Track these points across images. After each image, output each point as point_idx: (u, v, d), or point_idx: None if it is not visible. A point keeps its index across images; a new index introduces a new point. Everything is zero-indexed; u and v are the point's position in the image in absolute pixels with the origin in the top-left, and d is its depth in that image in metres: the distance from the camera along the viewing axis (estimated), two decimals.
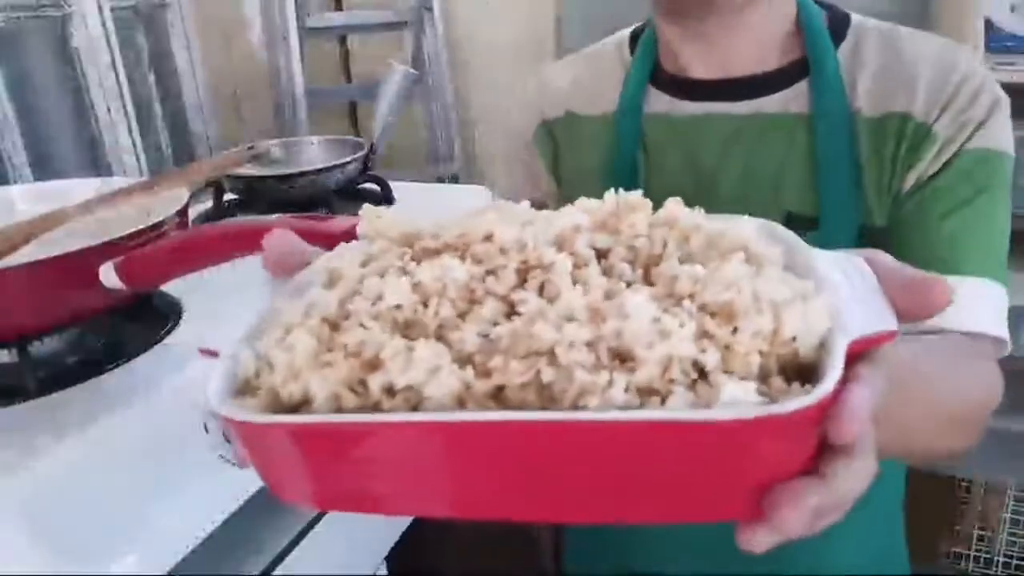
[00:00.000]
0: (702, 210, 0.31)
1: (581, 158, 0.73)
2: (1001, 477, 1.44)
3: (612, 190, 0.31)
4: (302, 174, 1.12)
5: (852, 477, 0.25)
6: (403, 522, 0.93)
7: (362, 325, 0.27)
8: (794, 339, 0.25)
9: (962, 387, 0.51)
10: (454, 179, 1.81)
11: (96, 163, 1.33)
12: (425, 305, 0.27)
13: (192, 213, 0.90)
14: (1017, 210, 1.09)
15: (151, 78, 1.55)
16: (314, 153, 1.28)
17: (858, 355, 0.25)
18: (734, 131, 0.64)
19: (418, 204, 1.17)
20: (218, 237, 0.59)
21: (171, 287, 0.81)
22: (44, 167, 1.27)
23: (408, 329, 0.27)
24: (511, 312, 0.26)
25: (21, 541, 0.55)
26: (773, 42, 0.64)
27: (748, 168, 0.63)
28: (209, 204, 1.18)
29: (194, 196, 0.90)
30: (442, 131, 1.81)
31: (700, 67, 0.65)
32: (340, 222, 0.55)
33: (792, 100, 0.62)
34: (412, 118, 1.82)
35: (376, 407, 0.25)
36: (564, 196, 0.73)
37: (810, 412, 0.22)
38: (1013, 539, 1.47)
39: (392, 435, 0.24)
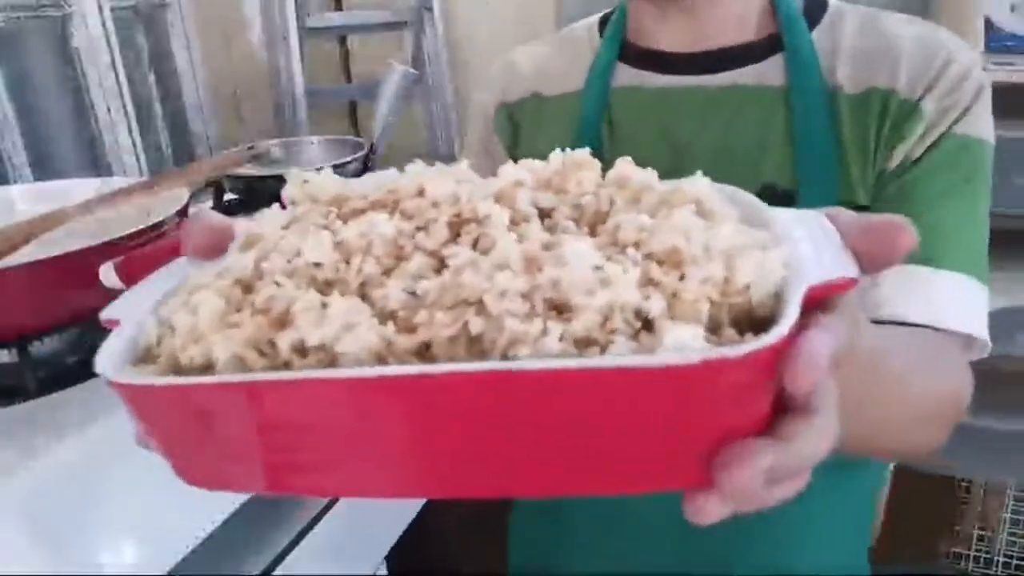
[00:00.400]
0: (655, 173, 0.29)
1: (545, 139, 0.69)
2: (1001, 477, 1.44)
3: (557, 150, 0.29)
4: None
5: (811, 437, 0.22)
6: (403, 521, 0.93)
7: (276, 283, 0.24)
8: (747, 287, 0.23)
9: (934, 385, 0.50)
10: None
11: (96, 163, 1.33)
12: (348, 263, 0.25)
13: (192, 213, 0.90)
14: (1017, 210, 1.09)
15: (151, 78, 1.55)
16: (314, 153, 1.28)
17: (818, 302, 0.23)
18: (709, 104, 0.62)
19: None
20: None
21: None
22: (44, 167, 1.27)
23: (329, 288, 0.24)
24: (441, 268, 0.24)
25: (21, 541, 0.55)
26: (747, 17, 0.63)
27: (725, 142, 0.61)
28: (209, 204, 1.18)
29: (194, 196, 0.91)
30: (442, 131, 1.80)
31: (672, 40, 0.64)
32: None
33: (768, 73, 0.61)
34: (412, 118, 1.82)
35: (286, 368, 0.22)
36: None
37: (763, 356, 0.20)
38: (1013, 539, 1.47)
39: (293, 396, 0.21)
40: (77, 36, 1.27)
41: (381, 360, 0.22)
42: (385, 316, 0.23)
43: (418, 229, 0.26)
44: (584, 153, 0.29)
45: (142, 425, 0.25)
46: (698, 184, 0.27)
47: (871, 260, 0.26)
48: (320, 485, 0.24)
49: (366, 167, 1.20)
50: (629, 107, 0.65)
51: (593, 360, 0.20)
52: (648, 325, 0.22)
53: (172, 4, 1.59)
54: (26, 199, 0.84)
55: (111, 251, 0.61)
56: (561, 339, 0.21)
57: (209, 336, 0.23)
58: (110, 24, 1.30)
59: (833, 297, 0.24)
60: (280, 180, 1.14)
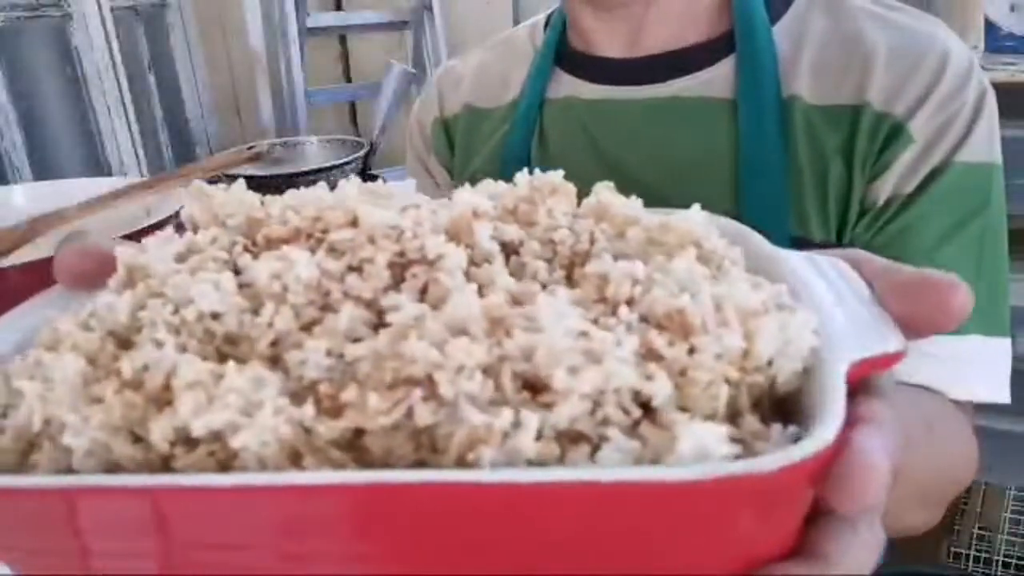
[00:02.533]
0: (639, 200, 0.24)
1: (480, 157, 0.62)
2: (1001, 477, 1.44)
3: (524, 171, 0.24)
4: (302, 174, 1.12)
5: (857, 554, 0.18)
6: None
7: (155, 341, 0.18)
8: (770, 363, 0.18)
9: (946, 464, 0.44)
10: None
11: (96, 163, 1.33)
12: (256, 314, 0.19)
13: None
14: (1017, 210, 1.09)
15: (151, 78, 1.55)
16: (314, 153, 1.28)
17: (856, 381, 0.18)
18: (645, 117, 0.54)
19: None
20: None
21: None
22: (44, 167, 1.27)
23: (231, 346, 0.19)
24: (380, 324, 0.19)
25: None
26: (695, 15, 0.54)
27: (660, 160, 0.53)
28: None
29: None
30: None
31: (611, 44, 0.56)
32: None
33: (714, 82, 0.52)
34: None
35: (167, 465, 0.17)
36: None
37: (802, 470, 0.15)
38: (1013, 539, 1.47)
39: (158, 508, 0.15)
40: (77, 36, 1.27)
41: (294, 456, 0.16)
42: (302, 390, 0.18)
43: (350, 269, 0.20)
44: (557, 176, 0.24)
45: None
46: (693, 219, 0.22)
47: (913, 326, 0.21)
48: None
49: (366, 167, 1.20)
50: (561, 120, 0.58)
51: (587, 473, 0.15)
52: (648, 411, 0.17)
53: (172, 4, 1.59)
54: (26, 199, 0.84)
55: None
56: (539, 436, 0.16)
57: (63, 415, 0.17)
58: (110, 24, 1.30)
59: (875, 376, 0.20)
60: (280, 180, 1.14)
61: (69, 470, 0.17)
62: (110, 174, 1.32)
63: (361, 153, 1.18)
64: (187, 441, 0.17)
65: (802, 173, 0.49)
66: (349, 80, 2.00)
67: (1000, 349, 0.48)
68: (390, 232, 0.21)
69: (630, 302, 0.19)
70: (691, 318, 0.18)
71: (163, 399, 0.17)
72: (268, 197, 0.23)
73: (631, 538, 0.16)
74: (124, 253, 0.22)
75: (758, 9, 0.52)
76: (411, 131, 0.69)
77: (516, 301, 0.19)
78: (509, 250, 0.22)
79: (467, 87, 0.65)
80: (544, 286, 0.20)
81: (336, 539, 0.16)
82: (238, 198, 0.23)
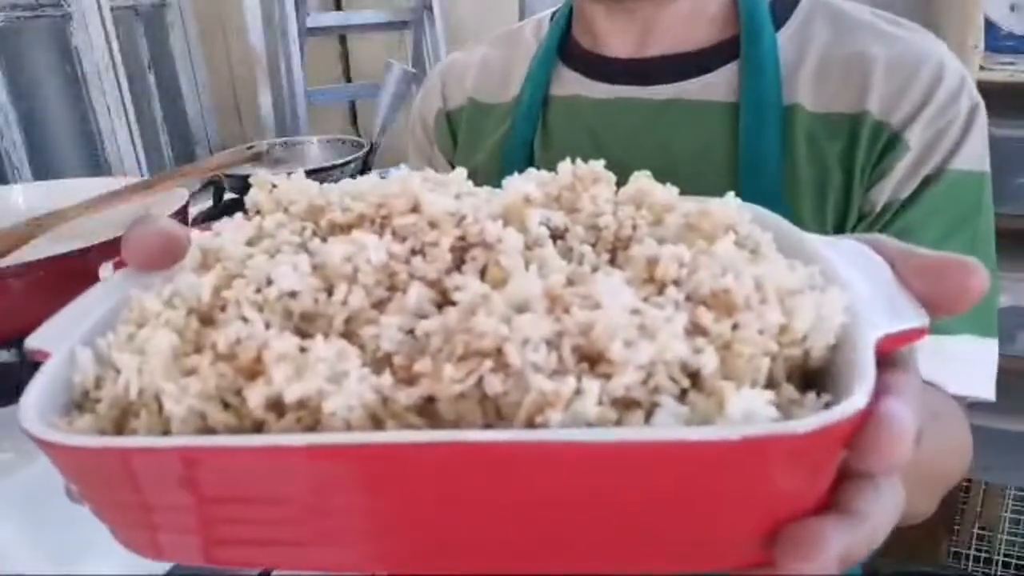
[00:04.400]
0: (675, 189, 0.25)
1: (482, 153, 0.62)
2: (1001, 477, 1.44)
3: (567, 160, 0.26)
4: None
5: (883, 510, 0.19)
6: None
7: (242, 318, 0.20)
8: (805, 338, 0.20)
9: (950, 453, 0.45)
10: None
11: (96, 163, 1.33)
12: (330, 293, 0.21)
13: (192, 213, 0.90)
14: (1017, 210, 1.09)
15: (151, 78, 1.55)
16: (314, 153, 1.28)
17: (883, 356, 0.20)
18: (648, 119, 0.55)
19: None
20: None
21: None
22: (44, 167, 1.27)
23: (307, 324, 0.21)
24: (444, 302, 0.21)
25: (21, 541, 0.55)
26: (705, 16, 0.55)
27: (661, 163, 0.52)
28: (209, 204, 1.18)
29: (194, 196, 0.90)
30: None
31: (616, 43, 0.57)
32: None
33: (718, 85, 0.53)
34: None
35: (258, 430, 0.18)
36: None
37: (839, 431, 0.17)
38: (1013, 539, 1.47)
39: (270, 466, 0.17)
40: (77, 36, 1.27)
41: (376, 420, 0.18)
42: (378, 362, 0.19)
43: (413, 253, 0.22)
44: (598, 165, 0.26)
45: (75, 487, 0.21)
46: (729, 207, 0.24)
47: (932, 307, 0.22)
48: (287, 561, 0.20)
49: (366, 167, 1.20)
50: (564, 119, 0.59)
51: (648, 432, 0.17)
52: (695, 380, 0.19)
53: (172, 4, 1.59)
54: (26, 199, 0.84)
55: (111, 251, 0.61)
56: (600, 402, 0.18)
57: (161, 384, 0.19)
58: (110, 24, 1.30)
59: (899, 351, 0.21)
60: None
61: (165, 435, 0.19)
62: (110, 174, 1.32)
63: (361, 153, 1.18)
64: (275, 407, 0.18)
65: (800, 179, 0.50)
66: (349, 80, 2.00)
67: (990, 350, 0.50)
68: (451, 217, 0.22)
69: (677, 282, 0.20)
70: (735, 297, 0.20)
71: (254, 370, 0.19)
72: (325, 185, 0.25)
73: (687, 492, 0.17)
74: (199, 236, 0.23)
75: (763, 15, 0.53)
76: (413, 123, 0.69)
77: (570, 282, 0.21)
78: (555, 235, 0.24)
79: (471, 81, 0.65)
80: (593, 269, 0.22)
81: (426, 495, 0.17)
82: (299, 186, 0.25)
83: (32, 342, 0.23)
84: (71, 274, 0.61)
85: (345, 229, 0.23)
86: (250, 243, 0.23)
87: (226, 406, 0.19)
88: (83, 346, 0.21)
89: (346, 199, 0.24)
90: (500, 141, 0.61)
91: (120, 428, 0.20)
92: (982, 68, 1.13)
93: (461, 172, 0.26)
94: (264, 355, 0.19)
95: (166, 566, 0.62)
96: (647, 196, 0.25)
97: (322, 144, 1.30)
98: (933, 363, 0.46)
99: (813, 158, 0.50)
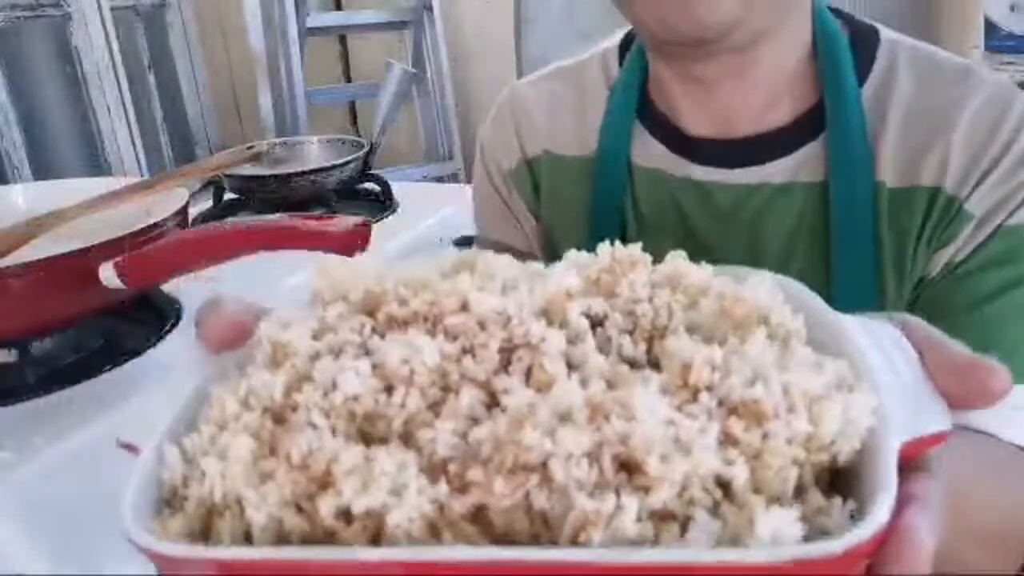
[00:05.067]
0: (708, 265, 0.27)
1: (564, 204, 0.62)
2: None
3: (607, 242, 0.27)
4: (302, 174, 1.12)
5: None
6: None
7: (311, 424, 0.22)
8: (832, 443, 0.21)
9: (1014, 506, 0.43)
10: (454, 178, 1.81)
11: (96, 163, 1.34)
12: (389, 393, 0.23)
13: (192, 213, 0.90)
14: None
15: (151, 78, 1.55)
16: (314, 153, 1.28)
17: (907, 461, 0.21)
18: (734, 201, 0.54)
19: (418, 203, 1.17)
20: (218, 237, 0.59)
21: (171, 287, 0.81)
22: (44, 167, 1.27)
23: (368, 423, 0.23)
24: (492, 403, 0.22)
25: (21, 541, 0.55)
26: (783, 84, 0.53)
27: (751, 244, 0.54)
28: (209, 204, 1.18)
29: (194, 196, 0.90)
30: (442, 130, 1.80)
31: (697, 120, 0.55)
32: (340, 222, 0.55)
33: (805, 166, 0.52)
34: (412, 117, 1.82)
35: (329, 535, 0.20)
36: (548, 239, 0.64)
37: (865, 549, 0.18)
38: None
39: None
40: (77, 36, 1.27)
41: (434, 529, 0.20)
42: (434, 466, 0.21)
43: (464, 351, 0.24)
44: (635, 249, 0.27)
45: None
46: (761, 292, 0.25)
47: (953, 401, 0.23)
48: None
49: (366, 167, 1.20)
50: (652, 192, 0.58)
51: (685, 554, 0.19)
52: (726, 489, 0.20)
53: (172, 4, 1.60)
54: (26, 198, 0.84)
55: (111, 251, 0.61)
56: (639, 519, 0.19)
57: (242, 490, 0.21)
58: (110, 24, 1.30)
59: (924, 453, 0.22)
60: (280, 180, 1.14)
61: (246, 537, 0.21)
62: (110, 174, 1.32)
63: (361, 153, 1.18)
64: (343, 516, 0.20)
65: (885, 252, 0.50)
66: (349, 80, 2.00)
67: None
68: (498, 317, 0.24)
69: (710, 387, 0.22)
70: (764, 406, 0.21)
71: (324, 481, 0.21)
72: (383, 269, 0.27)
73: None
74: (269, 330, 0.25)
75: (847, 76, 0.51)
76: (485, 160, 0.66)
77: (610, 383, 0.22)
78: (595, 322, 0.25)
79: (543, 129, 0.63)
80: (630, 363, 0.24)
81: None
82: (356, 272, 0.27)
83: (124, 437, 0.25)
84: (71, 274, 0.61)
85: (401, 324, 0.25)
86: (315, 336, 0.25)
87: (299, 508, 0.21)
88: (170, 443, 0.23)
89: (400, 288, 0.26)
90: (584, 200, 0.60)
91: (207, 527, 0.22)
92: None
93: (507, 258, 0.27)
94: (333, 468, 0.21)
95: None
96: (683, 278, 0.26)
97: (322, 144, 1.30)
98: (997, 414, 0.45)
99: (895, 232, 0.50)
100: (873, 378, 0.22)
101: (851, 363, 0.23)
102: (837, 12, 0.55)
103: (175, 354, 0.73)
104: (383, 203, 1.19)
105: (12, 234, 0.69)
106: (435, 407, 0.23)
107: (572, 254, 0.28)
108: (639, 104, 0.58)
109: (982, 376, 0.23)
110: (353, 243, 0.54)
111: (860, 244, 0.51)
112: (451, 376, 0.23)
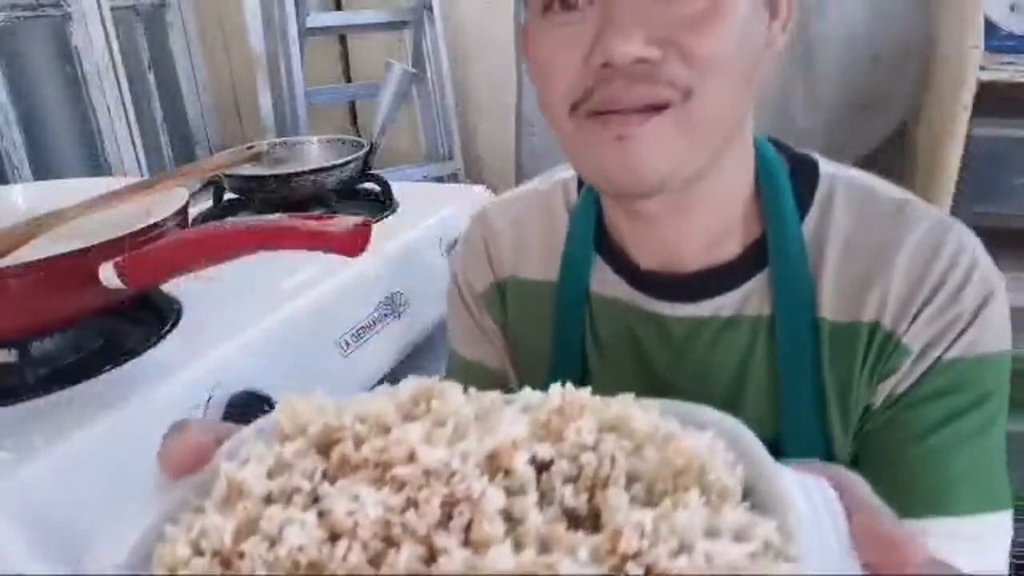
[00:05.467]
0: (656, 405, 0.29)
1: (530, 326, 0.64)
2: None
3: (558, 384, 0.29)
4: (302, 174, 1.12)
5: None
6: None
7: None
8: None
9: None
10: (454, 178, 1.81)
11: (96, 163, 1.33)
12: (333, 541, 0.24)
13: (192, 213, 0.90)
14: (1017, 210, 1.09)
15: (151, 78, 1.55)
16: (314, 153, 1.28)
17: None
18: (687, 334, 0.55)
19: (418, 203, 1.18)
20: (218, 237, 0.59)
21: (171, 287, 0.81)
22: (44, 167, 1.27)
23: (312, 569, 0.25)
24: (431, 558, 0.24)
25: (20, 541, 0.55)
26: (729, 217, 0.54)
27: (704, 376, 0.55)
28: (209, 204, 1.18)
29: (194, 196, 0.90)
30: (442, 130, 1.80)
31: (648, 255, 0.57)
32: (340, 222, 0.55)
33: (749, 299, 0.54)
34: (412, 117, 1.82)
35: None
36: (516, 357, 0.66)
37: None
38: (1013, 539, 1.47)
39: None
40: (77, 36, 1.27)
41: None
42: None
43: (408, 502, 0.25)
44: (584, 394, 0.29)
45: None
46: (701, 447, 0.26)
47: (871, 567, 0.24)
48: None
49: (366, 167, 1.20)
50: (610, 321, 0.59)
51: None
52: None
53: (172, 4, 1.59)
54: (26, 198, 0.84)
55: (111, 251, 0.61)
56: None
57: None
58: (110, 24, 1.30)
59: None
60: (280, 180, 1.13)
61: None
62: (110, 174, 1.32)
63: (361, 153, 1.18)
64: None
65: (827, 387, 0.52)
66: (349, 80, 2.00)
67: (1003, 522, 0.51)
68: (443, 469, 0.25)
69: (637, 555, 0.23)
70: None
71: None
72: (343, 402, 0.29)
73: None
74: (228, 468, 0.27)
75: (788, 210, 0.53)
76: (458, 283, 0.69)
77: (543, 546, 0.24)
78: (540, 467, 0.27)
79: (508, 255, 0.65)
80: (570, 514, 0.25)
81: None
82: (316, 406, 0.29)
83: (97, 562, 0.27)
84: (71, 274, 0.61)
85: (353, 468, 0.27)
86: (270, 474, 0.27)
87: None
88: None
89: (357, 425, 0.28)
90: (546, 326, 0.62)
91: None
92: (982, 68, 1.12)
93: (462, 399, 0.29)
94: None
95: None
96: (630, 421, 0.28)
97: (322, 144, 1.30)
98: (948, 546, 0.48)
99: (837, 367, 0.51)
100: (799, 545, 0.23)
101: (781, 525, 0.24)
102: (776, 143, 0.57)
103: (175, 354, 0.73)
104: (383, 203, 1.19)
105: (12, 234, 0.69)
106: (376, 559, 0.24)
107: (527, 393, 0.30)
108: (596, 235, 0.60)
109: (901, 550, 0.24)
110: (353, 243, 0.54)
111: (803, 380, 0.52)
112: (394, 528, 0.24)
